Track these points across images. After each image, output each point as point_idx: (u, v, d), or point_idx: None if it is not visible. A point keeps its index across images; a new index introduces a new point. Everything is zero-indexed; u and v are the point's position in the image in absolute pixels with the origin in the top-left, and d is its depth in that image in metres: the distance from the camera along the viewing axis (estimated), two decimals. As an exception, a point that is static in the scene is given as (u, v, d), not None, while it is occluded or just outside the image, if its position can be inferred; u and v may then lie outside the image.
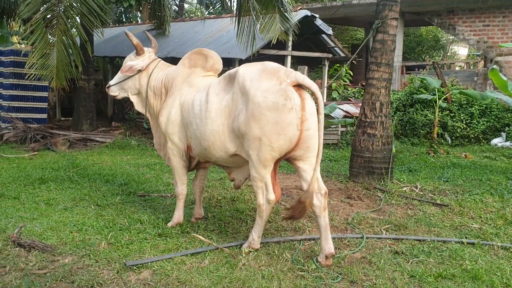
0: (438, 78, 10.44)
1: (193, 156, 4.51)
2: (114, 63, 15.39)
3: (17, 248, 3.92)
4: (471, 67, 18.11)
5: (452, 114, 10.48)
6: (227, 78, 4.06)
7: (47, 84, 11.01)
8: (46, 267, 3.61)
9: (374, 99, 6.46)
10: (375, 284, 3.45)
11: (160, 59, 4.89)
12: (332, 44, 13.77)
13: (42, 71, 8.31)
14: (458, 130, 10.29)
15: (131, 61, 4.74)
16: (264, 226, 4.00)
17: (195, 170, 4.82)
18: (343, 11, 14.93)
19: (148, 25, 14.53)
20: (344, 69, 13.07)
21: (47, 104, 12.13)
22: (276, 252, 3.96)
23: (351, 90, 13.71)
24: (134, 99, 4.86)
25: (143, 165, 7.75)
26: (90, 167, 7.29)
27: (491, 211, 5.21)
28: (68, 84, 8.69)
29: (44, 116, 11.84)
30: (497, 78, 7.45)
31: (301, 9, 12.18)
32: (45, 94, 11.88)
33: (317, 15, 12.31)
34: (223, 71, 4.51)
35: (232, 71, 4.03)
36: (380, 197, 5.77)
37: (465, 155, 8.80)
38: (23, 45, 14.72)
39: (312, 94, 3.76)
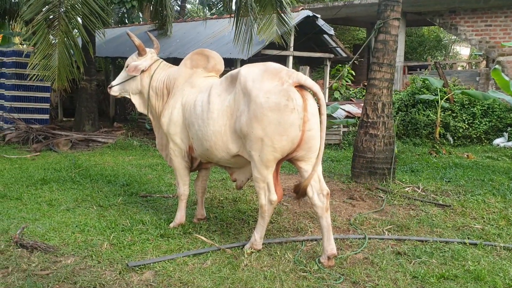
0: (440, 78, 10.41)
1: (195, 157, 4.51)
2: (116, 64, 15.39)
3: (19, 249, 3.92)
4: (473, 67, 18.10)
5: (454, 114, 10.45)
6: (229, 79, 4.05)
7: (49, 85, 11.01)
8: (48, 268, 3.61)
9: (376, 100, 6.45)
10: (378, 284, 3.45)
11: (162, 59, 4.89)
12: (334, 44, 13.75)
13: (44, 72, 8.33)
14: (460, 130, 10.26)
15: (134, 62, 4.74)
16: (266, 227, 4.00)
17: (197, 171, 4.83)
18: (345, 11, 14.92)
19: (150, 26, 14.51)
20: (346, 69, 13.04)
21: (49, 104, 12.17)
22: (278, 253, 3.96)
23: (353, 90, 13.69)
24: (135, 100, 4.85)
25: (145, 165, 7.75)
26: (92, 168, 7.30)
27: (494, 212, 5.20)
28: (70, 85, 8.69)
29: (46, 116, 11.87)
30: (499, 78, 7.44)
31: (302, 9, 12.17)
32: (47, 94, 11.92)
33: (318, 15, 12.30)
34: (225, 72, 4.50)
35: (234, 71, 4.03)
36: (382, 197, 5.76)
37: (467, 156, 8.78)
38: (25, 46, 14.79)
39: (314, 94, 3.75)
